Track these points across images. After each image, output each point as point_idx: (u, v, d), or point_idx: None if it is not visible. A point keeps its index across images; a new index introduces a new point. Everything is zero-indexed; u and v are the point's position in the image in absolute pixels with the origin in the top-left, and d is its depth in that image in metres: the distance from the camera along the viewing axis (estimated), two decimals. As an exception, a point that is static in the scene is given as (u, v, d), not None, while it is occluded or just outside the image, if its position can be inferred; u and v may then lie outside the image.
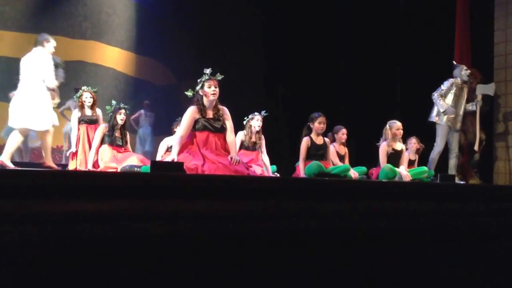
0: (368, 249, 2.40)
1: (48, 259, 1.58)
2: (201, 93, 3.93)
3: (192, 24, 8.10)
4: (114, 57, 8.00)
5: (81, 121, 5.42)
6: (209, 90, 3.88)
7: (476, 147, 6.06)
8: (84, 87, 5.59)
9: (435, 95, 6.03)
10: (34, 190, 1.60)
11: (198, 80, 3.98)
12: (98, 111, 5.56)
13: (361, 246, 2.38)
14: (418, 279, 2.59)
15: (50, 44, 4.82)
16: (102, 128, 5.17)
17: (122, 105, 5.23)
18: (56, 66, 4.83)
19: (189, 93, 4.04)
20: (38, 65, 4.69)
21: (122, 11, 8.10)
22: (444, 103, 5.97)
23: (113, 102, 5.25)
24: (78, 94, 5.54)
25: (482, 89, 6.12)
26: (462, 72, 6.12)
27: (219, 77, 3.97)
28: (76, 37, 7.68)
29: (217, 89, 3.92)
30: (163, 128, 6.27)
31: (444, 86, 6.07)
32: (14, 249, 1.52)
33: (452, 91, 6.08)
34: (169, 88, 8.33)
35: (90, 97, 5.46)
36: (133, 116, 8.10)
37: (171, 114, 6.02)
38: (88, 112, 5.47)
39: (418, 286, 2.60)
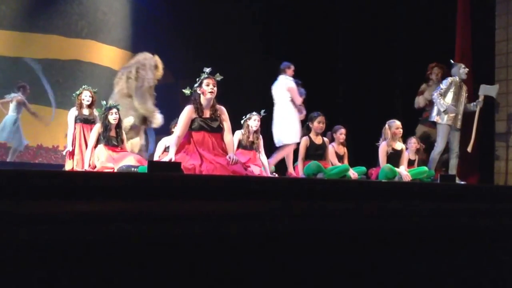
0: (367, 250, 2.38)
1: (44, 260, 1.55)
2: (198, 91, 3.89)
3: (189, 22, 8.07)
4: (110, 56, 7.97)
5: (77, 120, 5.36)
6: (207, 88, 3.85)
7: (469, 148, 6.02)
8: (84, 86, 5.52)
9: (435, 95, 6.01)
10: (30, 191, 1.57)
11: (197, 79, 3.94)
12: (95, 112, 5.51)
13: (360, 247, 2.35)
14: (418, 280, 2.57)
15: (290, 69, 5.93)
16: (97, 127, 5.12)
17: (113, 104, 5.15)
18: (297, 85, 5.82)
19: (186, 91, 4.00)
20: (284, 88, 5.76)
21: (118, 10, 8.07)
22: (445, 102, 5.95)
23: (103, 102, 5.19)
24: (77, 92, 5.48)
25: (485, 90, 6.08)
26: (461, 70, 6.10)
27: (218, 77, 3.94)
28: (72, 36, 7.64)
29: (215, 88, 3.89)
30: (161, 128, 6.22)
31: (443, 85, 6.05)
32: (10, 250, 1.49)
33: (452, 90, 6.05)
34: (166, 87, 8.30)
35: (89, 96, 5.40)
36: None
37: (168, 113, 5.98)
38: (85, 111, 5.41)
39: (418, 286, 2.57)
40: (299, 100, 5.79)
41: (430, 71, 6.65)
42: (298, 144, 5.61)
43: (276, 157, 5.65)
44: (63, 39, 7.58)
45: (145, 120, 5.42)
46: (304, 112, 5.93)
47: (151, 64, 5.25)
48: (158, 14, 8.24)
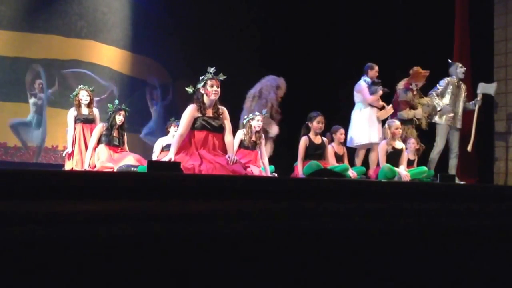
0: (367, 250, 2.37)
1: (42, 260, 1.54)
2: (202, 91, 3.89)
3: (188, 22, 8.07)
4: (109, 56, 7.96)
5: (77, 120, 5.36)
6: (211, 89, 3.86)
7: (469, 148, 6.03)
8: (80, 86, 5.53)
9: (432, 94, 6.05)
10: (29, 190, 1.56)
11: (200, 78, 3.94)
12: (95, 111, 5.51)
13: (359, 247, 2.35)
14: (417, 279, 2.57)
15: (373, 71, 6.00)
16: (99, 127, 5.14)
17: (123, 106, 5.20)
18: (373, 84, 5.91)
19: (189, 90, 4.00)
20: (357, 89, 5.99)
21: (118, 10, 8.06)
22: (441, 101, 5.97)
23: (116, 101, 5.22)
24: (74, 93, 5.49)
25: (483, 88, 6.09)
26: (458, 69, 6.12)
27: (222, 77, 3.94)
28: (71, 36, 7.63)
29: (219, 90, 3.90)
30: (159, 128, 6.25)
31: (440, 85, 6.08)
32: (8, 250, 1.48)
33: (449, 90, 6.08)
34: (165, 87, 8.31)
35: (87, 96, 5.41)
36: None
37: (166, 112, 6.01)
38: (84, 111, 5.41)
39: (417, 286, 2.57)
40: (368, 99, 5.87)
41: (418, 78, 6.19)
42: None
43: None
44: (63, 39, 7.57)
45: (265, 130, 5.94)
46: (387, 108, 5.95)
47: (273, 85, 5.84)
48: (157, 14, 8.23)
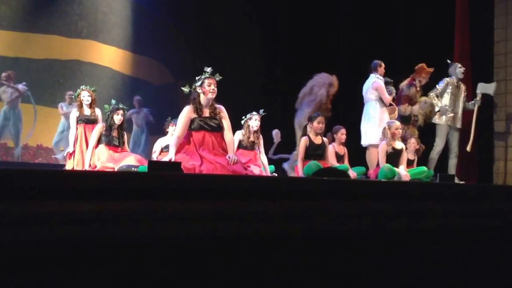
0: (366, 250, 2.38)
1: (43, 260, 1.55)
2: (199, 91, 3.90)
3: (189, 22, 8.09)
4: (110, 56, 7.98)
5: (79, 120, 5.34)
6: (209, 88, 3.87)
7: (468, 147, 6.03)
8: (82, 86, 5.52)
9: (431, 95, 6.05)
10: (30, 191, 1.57)
11: (197, 78, 3.95)
12: (97, 111, 5.49)
13: (359, 247, 2.35)
14: (417, 280, 2.57)
15: (381, 68, 5.84)
16: (99, 127, 5.12)
17: (121, 105, 5.17)
18: (387, 83, 5.79)
19: (185, 90, 4.01)
20: (372, 87, 5.73)
21: (118, 10, 8.08)
22: (440, 102, 5.98)
23: (113, 101, 5.20)
24: (76, 93, 5.49)
25: (483, 88, 6.09)
26: (457, 70, 6.11)
27: (218, 77, 3.95)
28: (72, 36, 7.65)
29: (216, 89, 3.90)
30: (160, 128, 6.26)
31: (440, 86, 6.08)
32: (8, 251, 1.49)
33: (449, 91, 6.07)
34: (166, 87, 8.32)
35: (88, 96, 5.38)
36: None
37: (168, 113, 6.00)
38: (86, 111, 5.39)
39: (417, 286, 2.57)
40: (387, 99, 5.75)
41: (422, 75, 6.18)
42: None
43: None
44: (63, 39, 7.59)
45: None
46: (397, 111, 5.89)
47: (325, 82, 5.87)
48: (158, 14, 8.25)
